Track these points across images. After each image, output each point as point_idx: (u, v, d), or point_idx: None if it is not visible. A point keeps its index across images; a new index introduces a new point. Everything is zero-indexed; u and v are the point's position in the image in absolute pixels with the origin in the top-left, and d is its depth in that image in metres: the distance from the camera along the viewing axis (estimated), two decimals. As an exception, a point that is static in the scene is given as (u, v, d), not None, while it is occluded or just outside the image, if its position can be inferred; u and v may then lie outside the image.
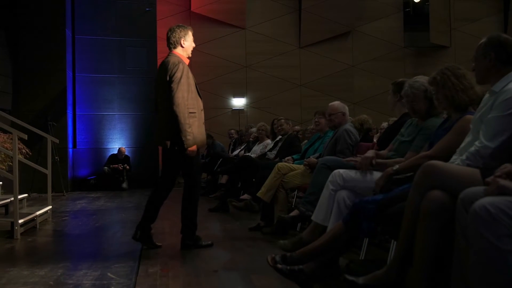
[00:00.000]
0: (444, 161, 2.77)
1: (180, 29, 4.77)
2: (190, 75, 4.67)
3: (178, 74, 4.54)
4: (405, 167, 3.29)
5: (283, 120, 8.31)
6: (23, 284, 3.56)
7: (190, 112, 4.56)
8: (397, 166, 3.33)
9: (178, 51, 4.76)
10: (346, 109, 5.55)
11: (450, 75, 3.18)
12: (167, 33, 4.78)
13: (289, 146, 7.34)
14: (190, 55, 4.88)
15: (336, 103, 5.59)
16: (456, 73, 3.18)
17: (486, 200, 2.09)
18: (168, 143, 4.65)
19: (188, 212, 4.74)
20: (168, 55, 4.76)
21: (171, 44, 4.76)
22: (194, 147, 4.59)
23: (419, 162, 3.00)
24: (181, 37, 4.75)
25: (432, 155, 3.08)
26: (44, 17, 11.49)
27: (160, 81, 4.69)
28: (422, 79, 3.74)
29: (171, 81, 4.54)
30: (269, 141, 8.91)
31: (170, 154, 4.73)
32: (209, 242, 4.83)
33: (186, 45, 4.78)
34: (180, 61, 4.65)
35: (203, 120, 4.80)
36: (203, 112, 4.81)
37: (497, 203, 2.06)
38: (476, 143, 2.74)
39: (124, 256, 4.41)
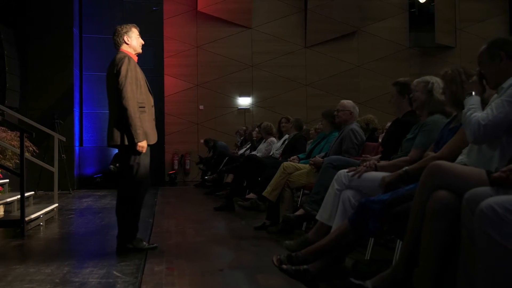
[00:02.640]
0: (451, 161, 2.77)
1: (122, 27, 4.72)
2: (139, 70, 4.60)
3: (124, 68, 4.46)
4: (414, 168, 3.28)
5: (284, 119, 8.41)
6: (29, 281, 3.58)
7: (139, 107, 4.48)
8: (406, 168, 3.33)
9: (124, 48, 4.70)
10: (355, 109, 5.55)
11: (462, 72, 3.22)
12: (112, 36, 4.73)
13: (294, 146, 7.35)
14: (140, 52, 4.81)
15: (348, 101, 5.61)
16: (468, 72, 3.20)
17: (493, 200, 2.09)
18: (118, 140, 4.47)
19: (127, 215, 4.60)
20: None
21: (116, 44, 4.71)
22: (144, 142, 4.46)
23: (427, 164, 3.05)
24: (123, 35, 4.69)
25: (441, 157, 3.07)
26: (52, 16, 11.54)
27: (109, 79, 4.59)
28: (431, 77, 3.81)
29: (118, 75, 4.45)
30: (273, 139, 8.91)
31: (126, 153, 4.56)
32: (154, 244, 4.73)
33: (132, 42, 4.72)
34: (126, 55, 4.58)
35: (154, 117, 4.71)
36: (153, 108, 4.72)
37: (504, 203, 2.06)
38: (480, 116, 2.70)
39: (130, 254, 4.42)
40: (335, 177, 3.86)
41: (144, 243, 4.67)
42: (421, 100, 3.81)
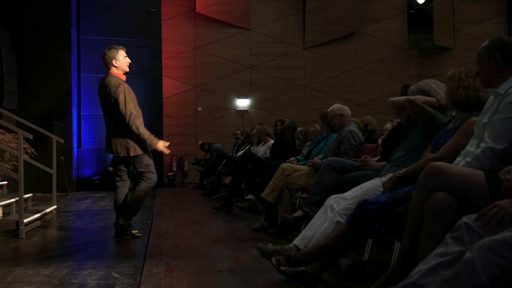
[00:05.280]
0: (450, 163, 2.77)
1: (110, 50, 5.21)
2: (131, 90, 5.19)
3: (121, 96, 5.03)
4: (412, 170, 3.28)
5: (278, 122, 8.47)
6: (28, 283, 3.58)
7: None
8: (404, 170, 3.33)
9: (114, 70, 5.23)
10: (346, 111, 5.55)
11: (462, 72, 3.21)
12: (103, 57, 5.24)
13: (281, 141, 7.37)
14: (128, 70, 5.32)
15: (334, 107, 5.62)
16: (469, 72, 3.19)
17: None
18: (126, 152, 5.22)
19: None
20: (106, 75, 5.21)
21: (106, 66, 5.24)
22: (160, 143, 5.26)
23: (426, 165, 3.06)
24: (111, 58, 5.19)
25: (440, 158, 3.07)
26: (49, 18, 11.53)
27: (104, 101, 5.19)
28: (432, 83, 3.77)
29: (117, 103, 5.03)
30: (272, 141, 8.91)
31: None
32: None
33: (119, 64, 5.23)
34: (119, 82, 5.13)
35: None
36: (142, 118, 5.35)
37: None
38: (482, 144, 2.73)
39: (129, 256, 4.43)
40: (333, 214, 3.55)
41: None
42: None
